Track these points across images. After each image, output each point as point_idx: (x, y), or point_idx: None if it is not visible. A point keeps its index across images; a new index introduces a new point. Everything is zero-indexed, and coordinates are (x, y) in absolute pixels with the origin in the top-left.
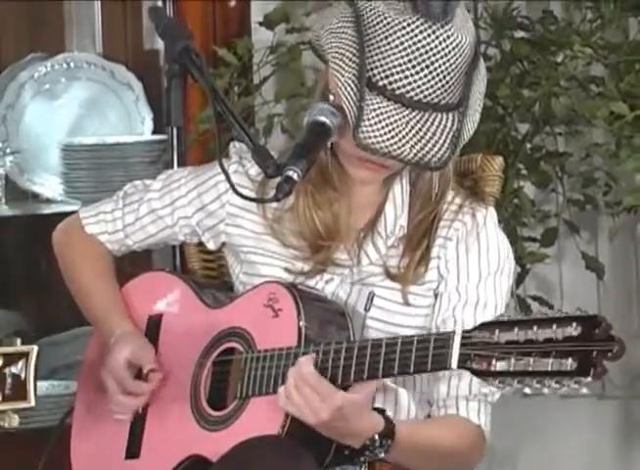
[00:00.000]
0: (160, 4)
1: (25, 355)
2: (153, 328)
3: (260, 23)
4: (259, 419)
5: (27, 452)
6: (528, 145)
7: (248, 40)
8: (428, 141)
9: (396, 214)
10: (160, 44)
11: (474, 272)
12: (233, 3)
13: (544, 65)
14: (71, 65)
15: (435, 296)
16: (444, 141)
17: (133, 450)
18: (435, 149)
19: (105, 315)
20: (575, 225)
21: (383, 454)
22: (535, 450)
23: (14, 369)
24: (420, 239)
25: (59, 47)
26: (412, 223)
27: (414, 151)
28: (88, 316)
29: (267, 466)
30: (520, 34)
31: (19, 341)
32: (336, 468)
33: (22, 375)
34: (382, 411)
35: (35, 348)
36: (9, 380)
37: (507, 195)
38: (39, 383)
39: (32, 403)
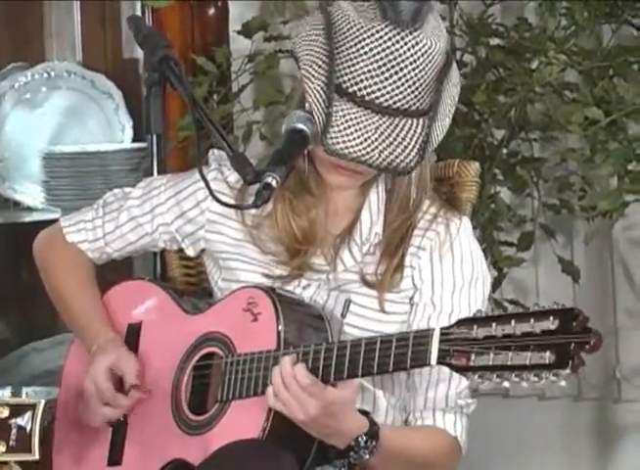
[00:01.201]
0: (138, 13)
1: (32, 408)
2: (133, 335)
3: (239, 32)
4: (240, 422)
5: None
6: (504, 150)
7: (226, 49)
8: (396, 146)
9: (372, 221)
10: (139, 53)
11: (448, 282)
12: (212, 11)
13: (519, 71)
14: (52, 74)
15: (411, 305)
16: (413, 146)
17: (115, 457)
18: (404, 154)
19: (86, 323)
20: (551, 229)
21: (367, 456)
22: (512, 451)
23: (20, 421)
24: (396, 246)
25: (39, 57)
26: (388, 230)
27: (382, 156)
28: (70, 324)
29: (248, 468)
30: (495, 41)
31: (25, 393)
32: (316, 469)
33: (28, 427)
34: (366, 413)
35: (43, 401)
36: (14, 431)
37: (483, 200)
38: (23, 389)
39: (37, 457)
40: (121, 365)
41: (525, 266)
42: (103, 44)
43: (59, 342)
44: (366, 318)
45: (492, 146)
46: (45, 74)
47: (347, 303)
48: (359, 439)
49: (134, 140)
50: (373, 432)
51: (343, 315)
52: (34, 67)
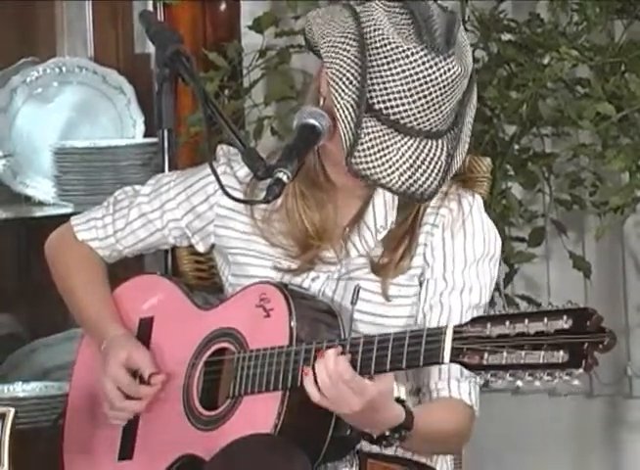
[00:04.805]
0: (150, 9)
1: (2, 417)
2: (144, 331)
3: (250, 27)
4: (252, 418)
5: (20, 454)
6: (516, 146)
7: (237, 44)
8: (416, 170)
9: (387, 209)
10: (150, 48)
11: (459, 259)
12: (223, 6)
13: (531, 67)
14: (63, 69)
15: (420, 284)
16: (432, 171)
17: (126, 452)
18: (422, 179)
19: (95, 320)
20: (563, 225)
21: (398, 443)
22: (523, 448)
23: None
24: (404, 233)
25: (50, 52)
26: (399, 216)
27: (402, 179)
28: (80, 321)
29: (260, 464)
30: (506, 37)
31: None
32: (327, 465)
33: None
34: (402, 401)
35: (12, 410)
36: None
37: (495, 196)
38: (33, 384)
39: (5, 468)
40: (135, 358)
41: (537, 262)
42: (114, 39)
43: (69, 337)
44: (376, 303)
45: (504, 142)
46: (57, 69)
47: (357, 289)
48: (395, 428)
49: (145, 135)
50: (408, 421)
51: (354, 302)
52: (46, 61)
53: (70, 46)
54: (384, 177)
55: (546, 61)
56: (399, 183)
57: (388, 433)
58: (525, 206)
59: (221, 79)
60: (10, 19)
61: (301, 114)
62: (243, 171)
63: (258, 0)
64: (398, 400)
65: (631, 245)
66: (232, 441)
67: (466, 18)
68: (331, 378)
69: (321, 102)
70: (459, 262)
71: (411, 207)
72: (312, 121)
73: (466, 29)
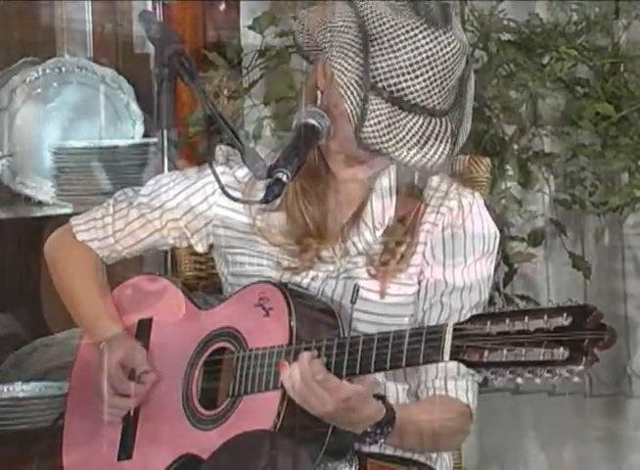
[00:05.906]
0: (149, 8)
1: None
2: (143, 331)
3: (249, 27)
4: (252, 417)
5: (20, 454)
6: (515, 146)
7: (237, 44)
8: (424, 145)
9: (384, 205)
10: (150, 48)
11: (459, 259)
12: (223, 6)
13: (530, 66)
14: (63, 69)
15: (419, 282)
16: (438, 147)
17: (126, 452)
18: (430, 153)
19: (95, 321)
20: (562, 225)
21: (382, 440)
22: (523, 447)
23: None
24: (405, 233)
25: (50, 52)
26: (397, 214)
27: (411, 153)
28: (78, 322)
29: (259, 462)
30: (506, 37)
31: None
32: (327, 464)
33: None
34: (382, 398)
35: None
36: None
37: (494, 196)
38: (33, 384)
39: None
40: (131, 356)
41: (536, 262)
42: (114, 39)
43: (70, 337)
44: (375, 302)
45: (503, 141)
46: (56, 70)
47: (356, 288)
48: (376, 425)
49: (145, 135)
50: (389, 418)
51: (353, 302)
52: (45, 62)
53: (70, 46)
54: (393, 151)
55: (545, 61)
56: (409, 157)
57: (369, 429)
58: (525, 206)
59: (220, 79)
60: (10, 19)
61: (301, 114)
62: (241, 171)
63: (258, 0)
64: (378, 397)
65: (631, 245)
66: (232, 437)
67: (465, 18)
68: (303, 378)
69: (319, 97)
70: (459, 262)
71: (411, 204)
72: (312, 121)
73: (465, 29)
